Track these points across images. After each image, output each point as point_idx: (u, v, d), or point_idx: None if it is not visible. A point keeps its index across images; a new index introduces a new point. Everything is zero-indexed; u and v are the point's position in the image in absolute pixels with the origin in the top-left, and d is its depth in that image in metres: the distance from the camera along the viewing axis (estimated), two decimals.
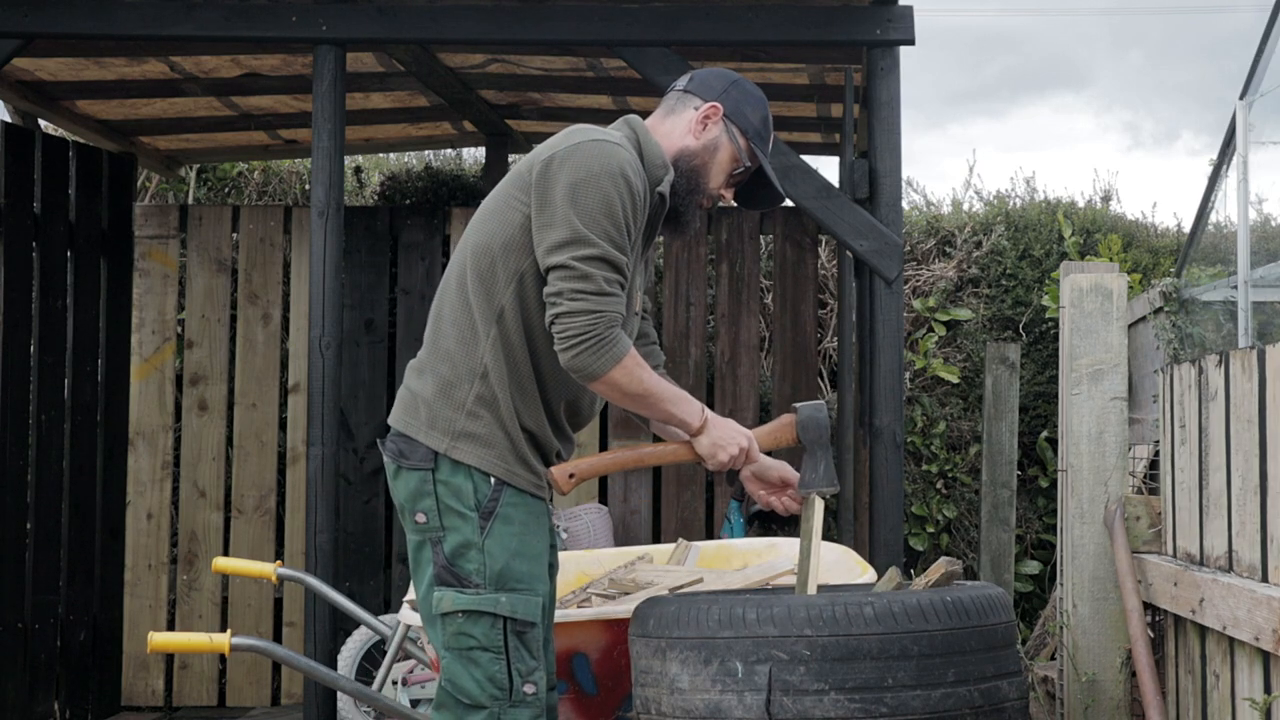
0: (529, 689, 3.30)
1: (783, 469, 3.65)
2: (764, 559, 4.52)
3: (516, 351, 3.35)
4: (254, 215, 7.53)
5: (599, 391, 3.34)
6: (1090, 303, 4.71)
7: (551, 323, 3.26)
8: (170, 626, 7.31)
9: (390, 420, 3.44)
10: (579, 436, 3.64)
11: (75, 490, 6.68)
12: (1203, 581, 3.82)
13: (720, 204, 3.68)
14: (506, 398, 3.33)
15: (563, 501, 7.07)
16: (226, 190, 8.72)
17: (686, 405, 3.40)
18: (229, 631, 3.94)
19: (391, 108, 7.27)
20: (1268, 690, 3.43)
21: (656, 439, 3.72)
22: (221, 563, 4.93)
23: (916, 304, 8.03)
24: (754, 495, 3.68)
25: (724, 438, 3.42)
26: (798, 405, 3.59)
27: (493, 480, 3.32)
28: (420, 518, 3.33)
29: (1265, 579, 3.46)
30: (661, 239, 3.64)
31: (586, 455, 3.60)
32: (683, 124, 3.49)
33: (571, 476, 3.39)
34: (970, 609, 3.23)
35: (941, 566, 3.56)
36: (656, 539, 7.31)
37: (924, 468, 7.78)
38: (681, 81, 3.58)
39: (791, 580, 4.21)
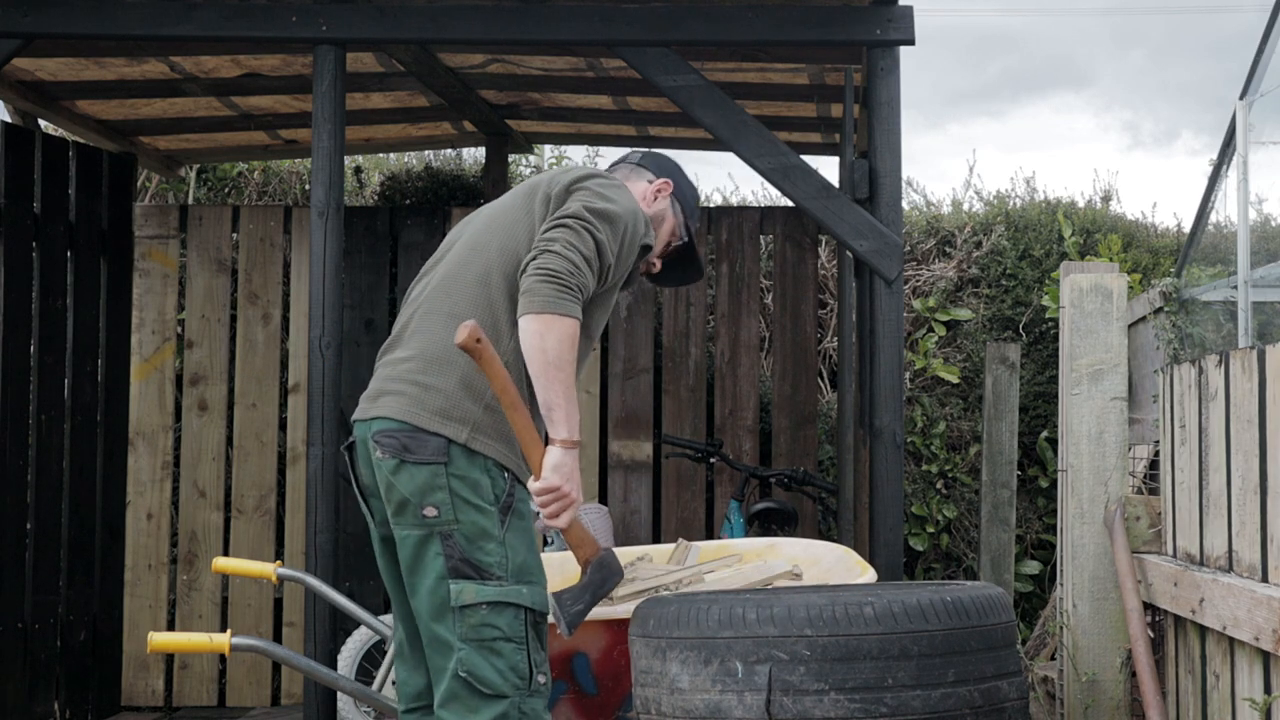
0: (541, 679, 3.39)
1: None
2: (764, 559, 4.51)
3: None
4: (254, 215, 7.53)
5: (528, 329, 3.28)
6: (1090, 303, 4.71)
7: (535, 257, 3.33)
8: (170, 626, 7.31)
9: (385, 414, 3.47)
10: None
11: (75, 490, 6.67)
12: (1203, 581, 3.82)
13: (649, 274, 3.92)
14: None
15: None
16: (226, 190, 8.72)
17: (573, 415, 3.35)
18: (229, 632, 3.94)
19: (391, 108, 7.27)
20: (1268, 690, 3.43)
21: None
22: (221, 563, 4.93)
23: (916, 304, 8.03)
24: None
25: (573, 472, 3.35)
26: (609, 549, 3.54)
27: (507, 475, 3.42)
28: (430, 511, 3.37)
29: (1265, 579, 3.46)
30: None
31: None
32: (637, 192, 3.77)
33: (479, 342, 3.26)
34: (970, 609, 3.23)
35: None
36: (656, 539, 7.30)
37: (924, 468, 7.78)
38: (635, 155, 3.92)
39: (792, 580, 4.21)
